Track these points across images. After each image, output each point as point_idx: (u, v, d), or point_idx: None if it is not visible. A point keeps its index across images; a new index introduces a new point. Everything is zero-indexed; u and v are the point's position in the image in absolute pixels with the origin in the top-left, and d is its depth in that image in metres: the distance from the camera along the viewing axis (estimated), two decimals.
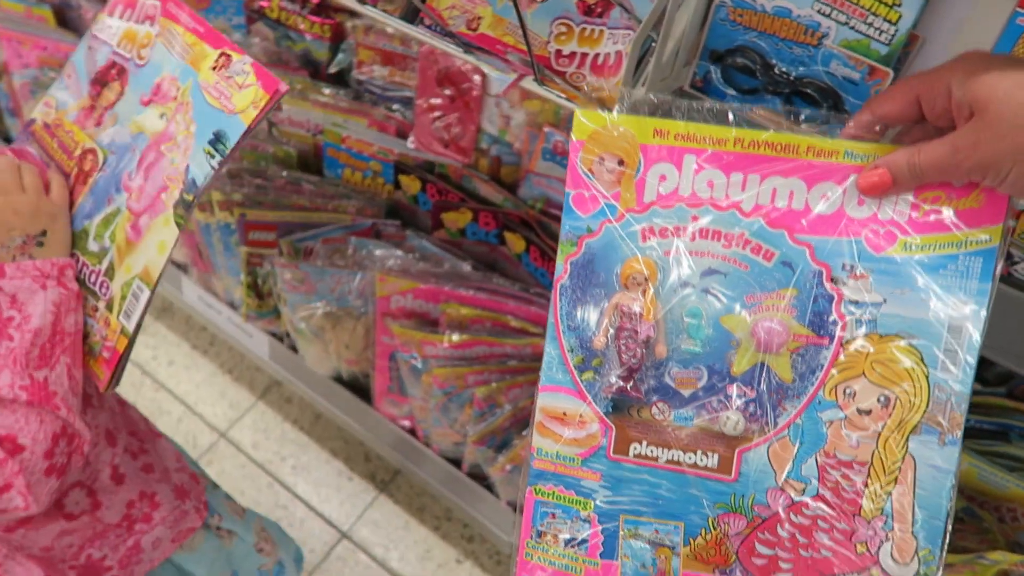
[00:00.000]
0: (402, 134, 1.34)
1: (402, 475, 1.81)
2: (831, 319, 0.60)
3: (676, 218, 0.63)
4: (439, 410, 1.42)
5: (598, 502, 0.67)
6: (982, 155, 0.51)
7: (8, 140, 2.05)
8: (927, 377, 0.57)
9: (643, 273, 0.63)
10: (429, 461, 1.57)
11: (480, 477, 1.51)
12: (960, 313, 0.56)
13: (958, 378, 0.56)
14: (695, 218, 0.62)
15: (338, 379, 1.65)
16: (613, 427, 0.66)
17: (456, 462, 1.55)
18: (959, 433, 0.56)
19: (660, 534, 0.66)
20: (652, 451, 0.65)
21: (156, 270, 0.79)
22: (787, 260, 0.61)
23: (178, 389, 1.96)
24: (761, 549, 0.63)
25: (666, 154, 0.62)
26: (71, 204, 0.85)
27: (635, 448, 0.66)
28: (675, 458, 0.65)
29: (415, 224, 1.45)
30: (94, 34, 0.89)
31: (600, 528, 0.68)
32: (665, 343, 0.64)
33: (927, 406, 0.57)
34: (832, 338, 0.60)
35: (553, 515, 0.69)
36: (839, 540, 0.60)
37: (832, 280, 0.60)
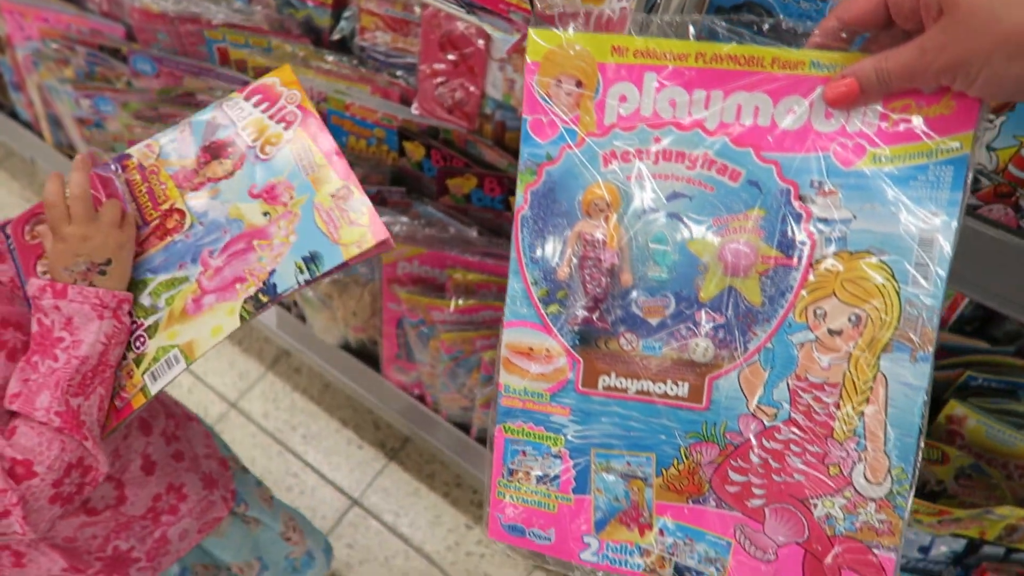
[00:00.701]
0: (406, 100, 1.31)
1: (411, 442, 1.81)
2: (800, 239, 0.58)
3: (638, 140, 0.60)
4: (447, 375, 1.42)
5: (568, 437, 0.66)
6: (951, 56, 0.49)
7: (13, 115, 2.01)
8: (898, 293, 0.55)
9: (605, 199, 0.61)
10: (438, 427, 1.57)
11: None
12: (931, 225, 0.54)
13: (929, 292, 0.54)
14: (657, 139, 0.60)
15: (346, 347, 1.64)
16: (581, 360, 0.64)
17: (465, 427, 1.55)
18: (931, 349, 0.55)
19: (632, 466, 0.65)
20: (621, 383, 0.64)
21: (200, 349, 0.80)
22: (754, 179, 0.59)
23: None
24: (734, 476, 0.62)
25: (625, 73, 0.59)
26: (141, 252, 0.85)
27: (604, 380, 0.64)
28: (645, 389, 0.63)
29: (420, 190, 1.43)
30: (223, 107, 0.87)
31: (572, 463, 0.67)
32: (630, 271, 0.62)
33: (898, 323, 0.55)
34: (801, 258, 0.58)
35: (524, 452, 0.68)
36: (812, 463, 0.59)
37: (800, 198, 0.58)
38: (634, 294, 0.62)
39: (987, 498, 1.02)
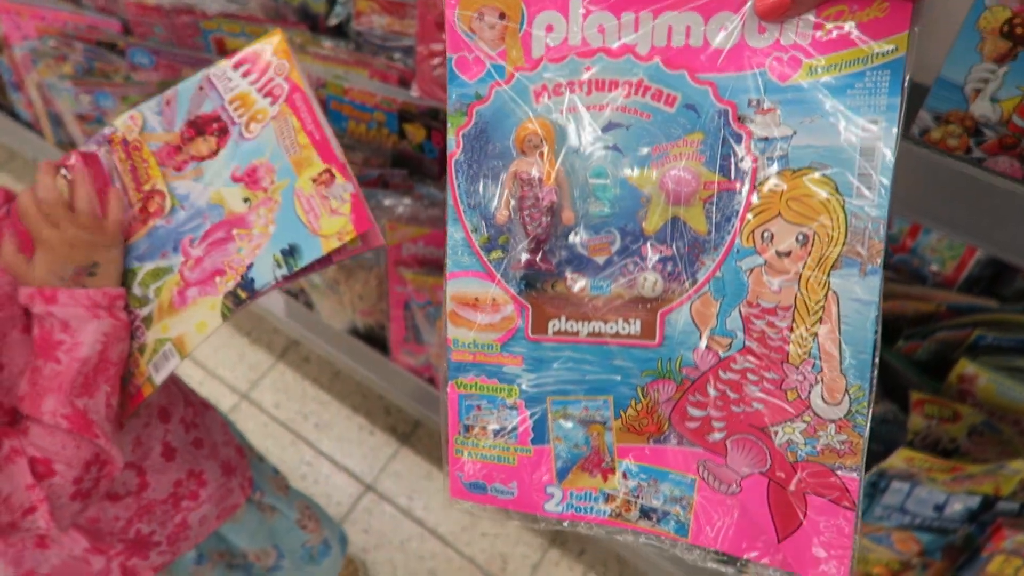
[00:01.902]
0: (404, 83, 1.30)
1: (422, 426, 1.81)
2: (741, 161, 0.56)
3: (568, 71, 0.58)
4: None
5: (523, 387, 0.64)
6: None
7: (14, 116, 1.97)
8: (843, 207, 0.54)
9: (538, 135, 0.58)
10: None
11: None
12: (871, 133, 0.52)
13: (874, 203, 0.53)
14: (588, 68, 0.57)
15: (354, 332, 1.63)
16: (529, 306, 0.62)
17: None
18: (879, 261, 0.54)
19: (590, 411, 0.63)
20: (572, 326, 0.62)
21: (190, 345, 0.78)
22: (690, 103, 0.56)
23: (197, 353, 1.94)
24: (693, 412, 0.61)
25: (549, 0, 0.57)
26: (126, 239, 0.83)
27: (554, 325, 0.62)
28: (596, 330, 0.61)
29: (422, 172, 1.42)
30: (210, 77, 0.82)
31: (528, 413, 0.65)
32: (572, 208, 0.60)
33: (845, 237, 0.54)
34: (744, 181, 0.56)
35: (478, 407, 0.66)
36: (769, 390, 0.58)
37: (739, 119, 0.56)
38: (578, 232, 0.60)
39: (1000, 455, 1.02)
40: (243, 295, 0.75)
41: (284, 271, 0.74)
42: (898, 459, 0.96)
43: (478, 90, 0.60)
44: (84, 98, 1.55)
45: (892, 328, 1.15)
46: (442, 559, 1.65)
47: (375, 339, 1.62)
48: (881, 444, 1.06)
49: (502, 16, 0.57)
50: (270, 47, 0.80)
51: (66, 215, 0.78)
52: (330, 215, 0.73)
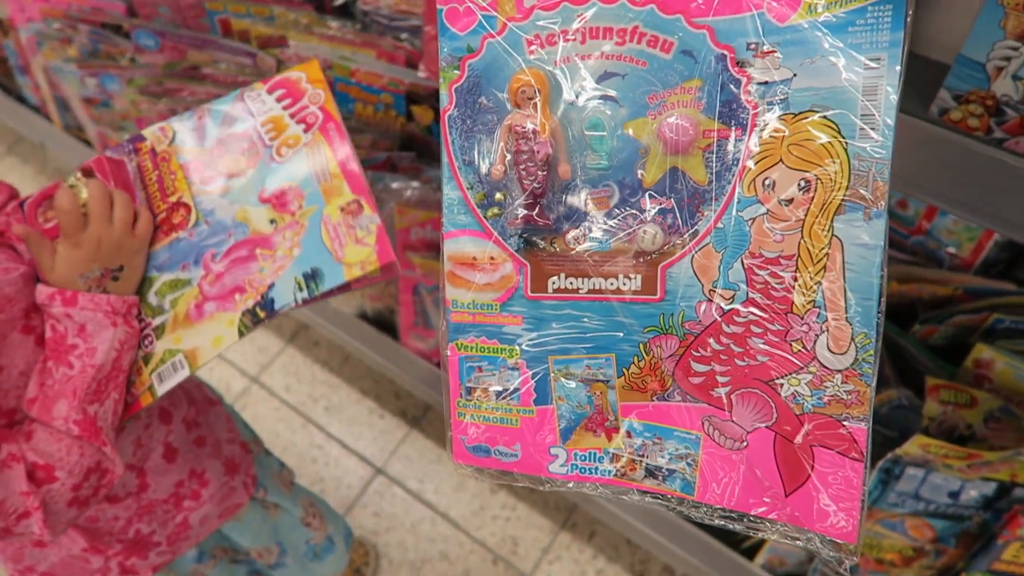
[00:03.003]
0: (412, 64, 1.28)
1: (432, 410, 1.81)
2: (741, 106, 0.55)
3: (561, 20, 0.56)
4: None
5: (524, 347, 0.63)
6: None
7: (21, 99, 1.98)
8: (846, 149, 0.52)
9: (533, 86, 0.57)
10: None
11: None
12: (873, 72, 0.51)
13: (878, 143, 0.51)
14: (582, 16, 0.56)
15: (363, 317, 1.62)
16: (527, 264, 0.61)
17: None
18: (883, 204, 0.52)
19: (592, 369, 0.63)
20: (572, 283, 0.61)
21: (203, 359, 0.78)
22: (687, 48, 0.55)
23: None
24: (697, 367, 0.60)
25: None
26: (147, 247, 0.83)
27: (554, 282, 0.61)
28: (597, 286, 0.60)
29: (430, 155, 1.40)
30: (244, 97, 0.83)
31: (530, 374, 0.64)
32: (568, 162, 0.59)
33: (849, 181, 0.53)
34: (744, 127, 0.55)
35: (480, 368, 0.65)
36: (774, 342, 0.57)
37: (738, 63, 0.54)
38: (575, 186, 0.59)
39: (1017, 441, 1.00)
40: (261, 314, 0.76)
41: (305, 294, 0.74)
42: (913, 446, 0.94)
43: (470, 43, 0.58)
44: (90, 81, 1.54)
45: (907, 312, 1.12)
46: (453, 542, 1.65)
47: (384, 323, 1.62)
48: (896, 430, 1.04)
49: None
50: (305, 75, 0.82)
51: (104, 216, 0.77)
52: (355, 244, 0.74)
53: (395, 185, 1.31)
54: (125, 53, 1.51)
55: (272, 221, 0.78)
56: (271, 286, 0.76)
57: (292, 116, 0.80)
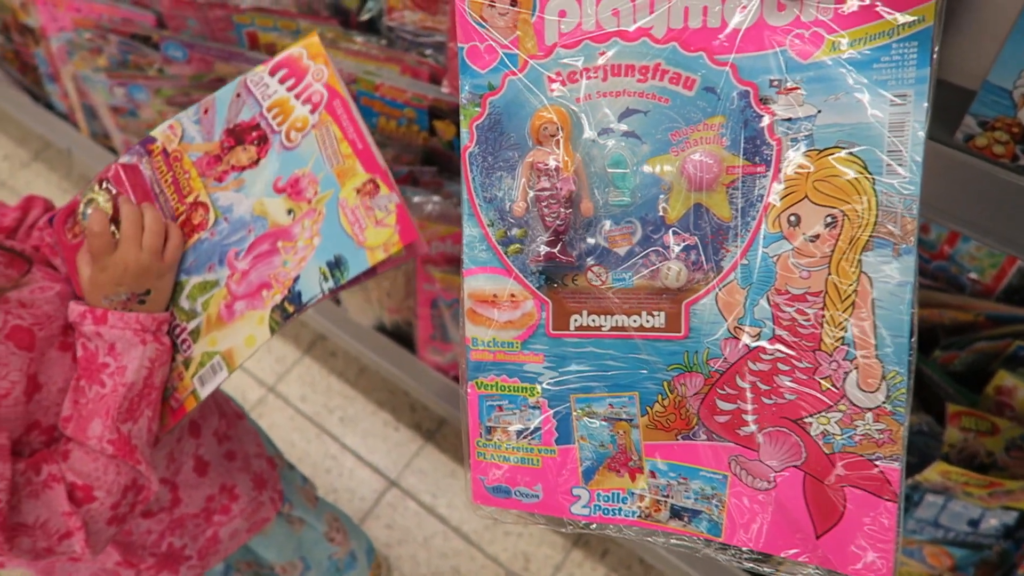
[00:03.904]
0: (435, 79, 1.29)
1: (447, 424, 1.80)
2: (765, 143, 0.54)
3: (583, 57, 0.56)
4: None
5: (545, 385, 0.62)
6: None
7: (49, 106, 2.01)
8: (873, 185, 0.52)
9: (555, 123, 0.57)
10: None
11: None
12: (900, 109, 0.51)
13: (906, 179, 0.51)
14: (603, 54, 0.56)
15: (381, 329, 1.63)
16: (549, 301, 0.61)
17: None
18: (913, 240, 0.52)
19: (615, 408, 0.61)
20: (594, 320, 0.60)
21: (239, 358, 0.78)
22: (709, 85, 0.55)
23: None
24: (722, 405, 0.59)
25: None
26: None
27: (576, 320, 0.60)
28: (619, 324, 0.60)
29: (451, 170, 1.40)
30: (247, 83, 0.82)
31: (551, 412, 0.63)
32: (590, 199, 0.58)
33: (876, 217, 0.52)
34: (768, 164, 0.54)
35: (500, 407, 0.64)
36: (802, 380, 0.56)
37: (761, 100, 0.54)
38: (598, 223, 0.58)
39: None
40: (290, 308, 0.75)
41: (331, 284, 0.73)
42: (933, 472, 0.93)
43: (491, 80, 0.58)
44: (118, 91, 1.57)
45: (928, 337, 1.11)
46: (465, 557, 1.63)
47: (402, 336, 1.61)
48: (916, 456, 1.03)
49: (513, 3, 0.56)
50: (306, 51, 0.79)
51: (135, 240, 0.77)
52: (375, 226, 0.72)
53: (416, 199, 1.32)
54: (153, 64, 1.53)
55: (289, 211, 0.76)
56: (296, 279, 0.75)
57: (297, 97, 0.78)
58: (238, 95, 0.82)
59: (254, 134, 0.80)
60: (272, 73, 0.80)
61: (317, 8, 1.37)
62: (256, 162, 0.79)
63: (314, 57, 0.78)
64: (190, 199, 0.82)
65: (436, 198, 1.31)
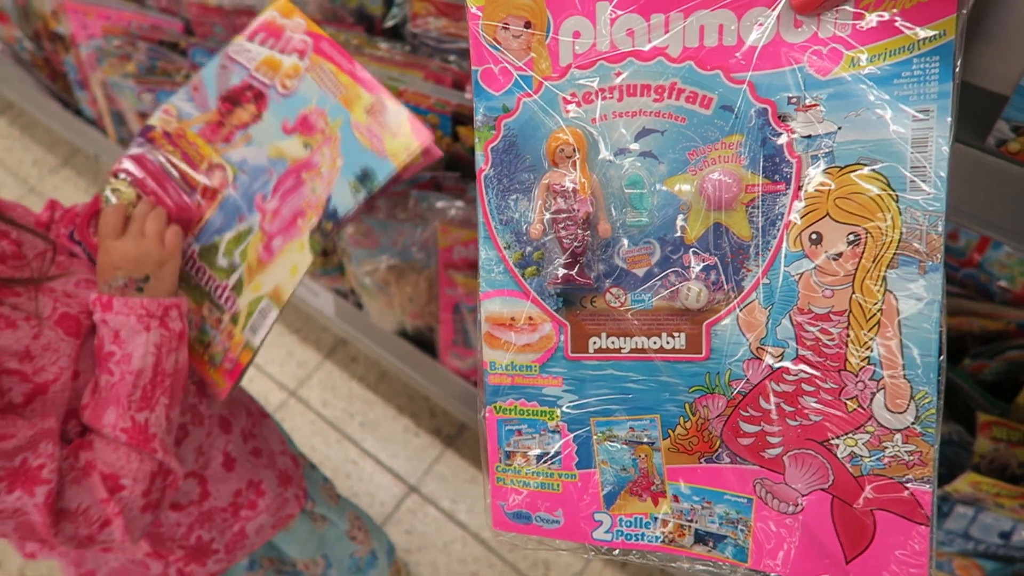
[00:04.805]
0: (459, 85, 1.30)
1: (468, 429, 1.81)
2: (784, 160, 0.54)
3: (599, 78, 0.56)
4: None
5: (564, 409, 0.61)
6: None
7: (78, 113, 2.06)
8: (896, 202, 0.51)
9: (571, 144, 0.56)
10: None
11: None
12: (922, 124, 0.50)
13: (930, 196, 0.50)
14: (619, 74, 0.55)
15: (403, 334, 1.63)
16: (567, 324, 0.60)
17: None
18: (939, 257, 0.51)
19: (636, 431, 0.60)
20: (614, 343, 0.59)
21: (287, 292, 0.80)
22: (727, 104, 0.54)
23: None
24: (746, 427, 0.58)
25: (576, 5, 0.55)
26: (199, 220, 0.86)
27: (595, 343, 0.60)
28: (639, 346, 0.59)
29: (474, 175, 1.40)
30: (229, 54, 0.86)
31: (571, 436, 0.62)
32: (608, 220, 0.57)
33: (901, 235, 0.51)
34: (788, 182, 0.54)
35: (519, 432, 0.63)
36: (827, 401, 0.55)
37: (779, 117, 0.53)
38: (616, 244, 0.58)
39: None
40: (328, 226, 0.77)
41: (364, 194, 0.76)
42: (964, 483, 0.91)
43: (505, 103, 0.58)
44: (146, 96, 1.60)
45: (958, 346, 1.09)
46: (484, 563, 1.62)
47: (423, 341, 1.61)
48: (946, 466, 1.01)
49: (527, 25, 0.56)
50: (278, 12, 0.83)
51: (136, 229, 0.81)
52: (392, 138, 0.75)
53: (439, 204, 1.33)
54: (181, 70, 1.56)
55: (306, 145, 0.79)
56: (328, 199, 0.77)
57: (282, 51, 0.82)
58: (223, 67, 0.85)
59: (248, 93, 0.83)
60: (251, 39, 0.84)
61: (342, 15, 1.38)
62: (258, 116, 0.83)
63: (287, 15, 0.82)
64: (204, 165, 0.85)
65: (459, 203, 1.32)
